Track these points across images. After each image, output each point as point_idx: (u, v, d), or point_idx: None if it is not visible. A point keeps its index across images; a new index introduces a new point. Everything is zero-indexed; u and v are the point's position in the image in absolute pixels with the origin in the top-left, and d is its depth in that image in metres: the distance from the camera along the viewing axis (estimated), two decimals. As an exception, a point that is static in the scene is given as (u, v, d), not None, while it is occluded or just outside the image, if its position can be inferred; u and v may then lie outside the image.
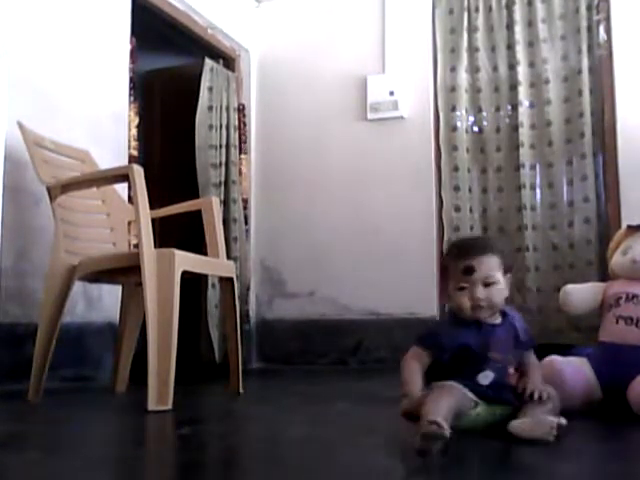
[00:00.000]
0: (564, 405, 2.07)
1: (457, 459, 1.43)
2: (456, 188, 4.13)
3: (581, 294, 2.43)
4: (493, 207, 4.10)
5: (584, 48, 3.98)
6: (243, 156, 4.40)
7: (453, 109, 4.17)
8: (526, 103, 4.06)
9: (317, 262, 4.31)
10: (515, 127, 4.06)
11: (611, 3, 3.95)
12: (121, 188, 3.10)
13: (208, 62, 4.19)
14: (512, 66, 4.10)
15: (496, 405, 1.62)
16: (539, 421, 1.52)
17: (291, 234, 4.41)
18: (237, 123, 4.34)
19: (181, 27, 4.10)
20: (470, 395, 1.57)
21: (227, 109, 4.27)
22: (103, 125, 3.34)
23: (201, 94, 4.12)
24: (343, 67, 4.42)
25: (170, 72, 4.69)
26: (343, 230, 4.29)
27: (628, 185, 3.81)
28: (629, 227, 2.47)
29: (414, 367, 1.63)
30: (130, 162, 3.39)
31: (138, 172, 2.38)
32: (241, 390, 2.74)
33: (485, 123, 4.17)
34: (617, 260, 2.40)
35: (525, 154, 4.01)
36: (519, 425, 1.52)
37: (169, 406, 2.19)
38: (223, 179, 4.16)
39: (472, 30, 4.19)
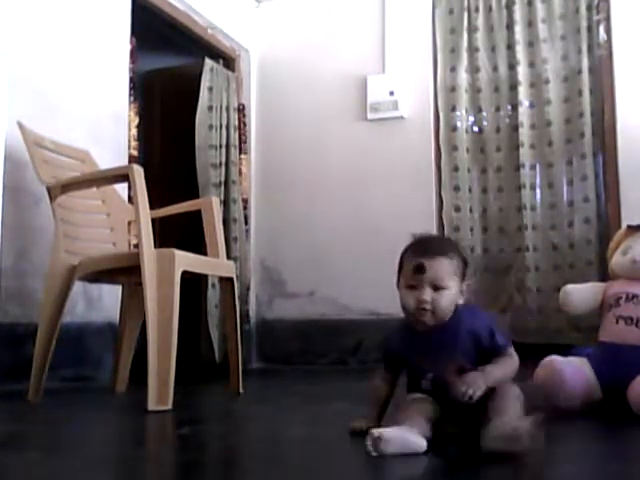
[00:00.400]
0: (564, 405, 2.09)
1: (457, 460, 1.43)
2: (456, 188, 4.13)
3: (581, 294, 2.43)
4: (493, 207, 4.10)
5: (584, 48, 3.98)
6: (243, 156, 4.40)
7: (453, 109, 4.17)
8: (526, 103, 4.06)
9: (317, 262, 4.31)
10: (515, 127, 4.06)
11: (611, 3, 3.95)
12: (121, 188, 3.10)
13: (208, 62, 4.19)
14: (512, 66, 4.10)
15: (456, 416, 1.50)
16: (503, 431, 1.34)
17: (291, 234, 4.41)
18: (237, 123, 4.34)
19: (181, 27, 4.10)
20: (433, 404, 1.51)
21: (227, 109, 4.27)
22: (103, 125, 3.34)
23: (201, 94, 4.12)
24: (343, 67, 4.42)
25: (170, 72, 4.70)
26: (343, 230, 4.29)
27: (628, 185, 3.80)
28: (629, 227, 2.47)
29: (373, 387, 1.68)
30: (130, 162, 3.39)
31: (138, 172, 2.38)
32: (241, 390, 2.74)
33: (485, 123, 4.17)
34: (617, 260, 2.40)
35: (525, 154, 4.01)
36: (487, 441, 1.35)
37: (169, 406, 2.19)
38: (223, 179, 4.16)
39: (472, 30, 4.19)
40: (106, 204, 2.94)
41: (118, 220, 2.94)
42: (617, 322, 2.23)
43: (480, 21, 4.18)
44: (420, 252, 1.59)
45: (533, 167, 4.03)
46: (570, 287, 2.48)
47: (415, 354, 1.59)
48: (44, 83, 3.04)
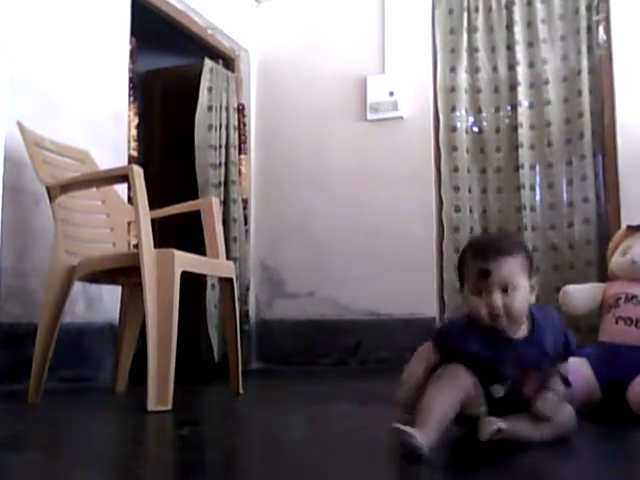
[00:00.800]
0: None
1: (456, 459, 1.43)
2: (456, 188, 4.13)
3: (581, 294, 2.44)
4: (493, 207, 4.10)
5: (584, 48, 3.99)
6: (243, 156, 4.40)
7: (453, 109, 4.18)
8: (526, 103, 4.06)
9: (317, 262, 4.31)
10: (515, 127, 4.06)
11: (611, 3, 3.95)
12: (121, 189, 3.10)
13: (208, 62, 4.19)
14: (512, 66, 4.10)
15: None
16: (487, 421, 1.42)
17: (291, 234, 4.41)
18: (237, 123, 4.34)
19: (181, 27, 4.10)
20: (479, 388, 1.46)
21: (227, 109, 4.27)
22: (103, 125, 3.34)
23: (201, 94, 4.12)
24: (343, 67, 4.42)
25: (170, 72, 4.70)
26: (343, 230, 4.29)
27: (628, 185, 3.81)
28: (629, 227, 2.47)
29: (417, 361, 1.53)
30: (130, 162, 3.39)
31: (138, 172, 2.38)
32: (241, 390, 2.74)
33: (485, 123, 4.17)
34: (617, 260, 2.41)
35: (525, 154, 4.01)
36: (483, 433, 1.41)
37: (169, 406, 2.19)
38: (223, 179, 4.16)
39: (472, 30, 4.19)
40: (106, 204, 2.94)
41: (118, 220, 2.94)
42: (617, 322, 2.23)
43: (480, 21, 4.18)
44: (482, 255, 1.48)
45: (533, 167, 4.03)
46: (570, 287, 2.48)
47: (498, 359, 1.48)
48: (44, 83, 3.04)
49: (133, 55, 3.58)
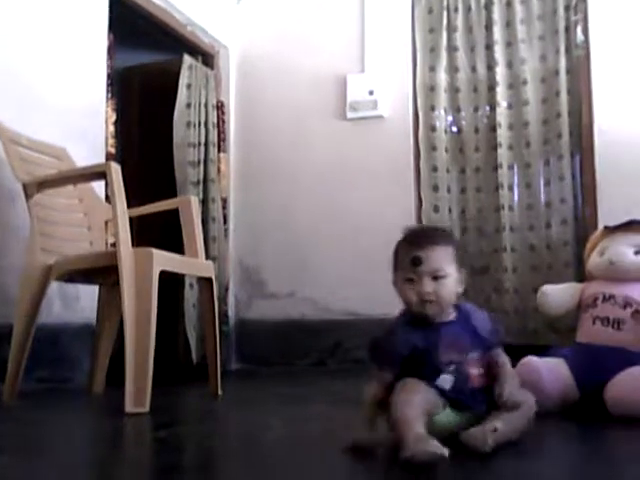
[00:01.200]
0: (541, 406, 2.10)
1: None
2: (435, 188, 4.14)
3: (558, 295, 2.45)
4: (471, 207, 4.12)
5: (562, 49, 4.01)
6: (222, 154, 4.37)
7: (432, 109, 4.18)
8: (504, 104, 4.08)
9: (297, 262, 4.30)
10: (493, 127, 4.08)
11: (589, 4, 3.98)
12: (98, 186, 3.06)
13: (187, 59, 4.16)
14: (490, 66, 4.11)
15: (462, 411, 1.50)
16: (480, 430, 1.40)
17: (271, 234, 4.39)
18: (216, 121, 4.31)
19: (159, 23, 4.06)
20: (437, 395, 1.47)
21: (206, 106, 4.24)
22: (80, 122, 3.30)
23: (179, 91, 4.08)
24: (323, 65, 4.41)
25: (148, 68, 4.65)
26: (323, 230, 4.28)
27: (605, 186, 3.83)
28: (606, 228, 2.50)
29: (372, 395, 1.53)
30: (107, 159, 3.35)
31: (115, 170, 2.36)
32: (220, 392, 2.72)
33: (464, 123, 4.18)
34: (594, 261, 2.43)
35: (503, 154, 4.02)
36: (467, 434, 1.41)
37: (147, 408, 2.17)
38: (202, 177, 4.13)
39: (451, 30, 4.20)
40: (83, 202, 2.90)
41: (95, 219, 2.91)
42: (594, 323, 2.25)
43: (459, 21, 4.19)
44: (414, 244, 1.55)
45: (511, 167, 4.05)
46: (547, 288, 2.50)
47: (431, 344, 1.51)
48: (19, 79, 2.99)
49: (111, 51, 3.55)
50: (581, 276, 3.01)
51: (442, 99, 4.17)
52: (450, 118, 4.21)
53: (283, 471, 1.39)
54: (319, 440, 1.68)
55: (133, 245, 2.33)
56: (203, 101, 4.22)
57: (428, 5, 4.25)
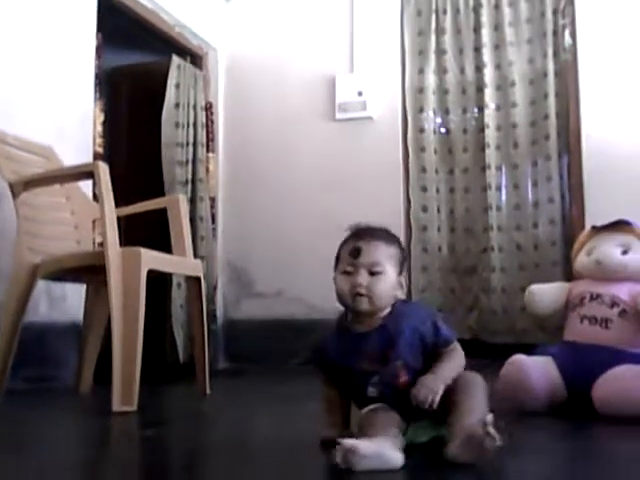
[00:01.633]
0: (529, 404, 2.11)
1: (421, 460, 1.42)
2: (424, 189, 4.15)
3: (546, 294, 2.46)
4: (460, 207, 4.13)
5: (550, 52, 4.03)
6: (210, 154, 4.36)
7: (421, 110, 4.19)
8: (492, 105, 4.10)
9: (285, 262, 4.30)
10: (481, 129, 4.10)
11: (576, 8, 4.00)
12: (86, 186, 3.05)
13: (175, 59, 4.15)
14: (479, 68, 4.13)
15: (419, 422, 1.44)
16: (468, 441, 1.30)
17: (259, 233, 4.39)
18: (204, 121, 4.31)
19: (148, 24, 4.05)
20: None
21: (194, 107, 4.23)
22: (68, 121, 3.28)
23: (168, 91, 4.08)
24: (311, 66, 4.41)
25: (137, 69, 4.63)
26: (311, 229, 4.27)
27: (592, 186, 3.85)
28: (593, 228, 2.51)
29: (326, 393, 1.56)
30: (95, 159, 3.34)
31: (103, 169, 2.35)
32: (208, 391, 2.72)
33: (452, 124, 4.20)
34: (582, 260, 2.44)
35: (491, 155, 4.04)
36: (452, 451, 1.32)
37: (134, 407, 2.16)
38: (190, 177, 4.12)
39: (440, 32, 4.22)
40: (70, 202, 2.89)
41: (83, 218, 2.89)
42: (581, 322, 2.26)
43: (448, 23, 4.21)
44: (356, 236, 1.54)
45: (499, 168, 4.07)
46: (535, 287, 2.51)
47: (356, 359, 1.48)
48: (7, 78, 2.97)
49: (99, 51, 3.53)
50: (569, 275, 3.02)
51: (431, 100, 4.19)
52: (439, 119, 4.23)
53: (270, 470, 1.39)
54: (306, 439, 1.68)
55: (121, 244, 2.32)
56: (191, 101, 4.21)
57: (417, 7, 4.27)
